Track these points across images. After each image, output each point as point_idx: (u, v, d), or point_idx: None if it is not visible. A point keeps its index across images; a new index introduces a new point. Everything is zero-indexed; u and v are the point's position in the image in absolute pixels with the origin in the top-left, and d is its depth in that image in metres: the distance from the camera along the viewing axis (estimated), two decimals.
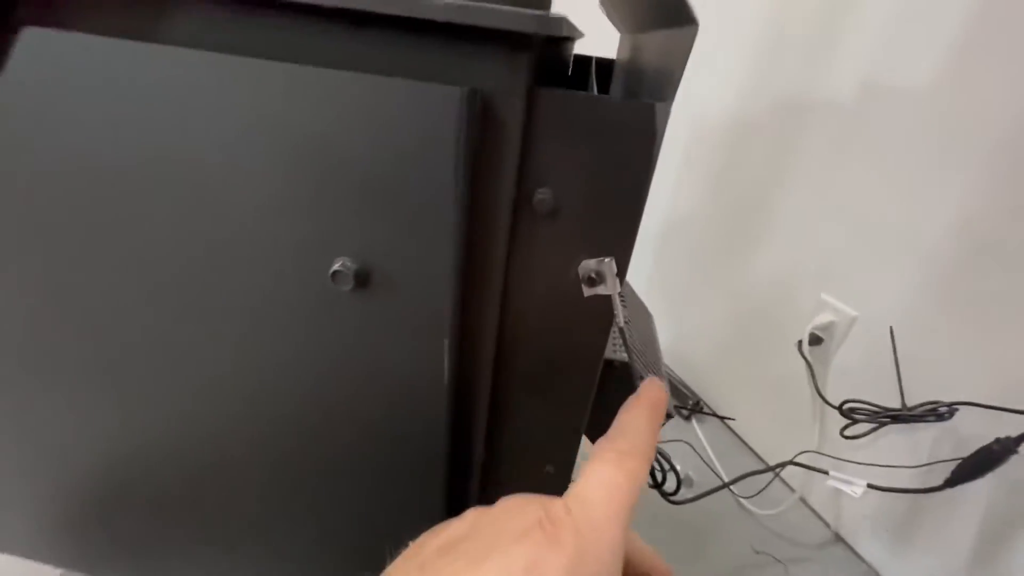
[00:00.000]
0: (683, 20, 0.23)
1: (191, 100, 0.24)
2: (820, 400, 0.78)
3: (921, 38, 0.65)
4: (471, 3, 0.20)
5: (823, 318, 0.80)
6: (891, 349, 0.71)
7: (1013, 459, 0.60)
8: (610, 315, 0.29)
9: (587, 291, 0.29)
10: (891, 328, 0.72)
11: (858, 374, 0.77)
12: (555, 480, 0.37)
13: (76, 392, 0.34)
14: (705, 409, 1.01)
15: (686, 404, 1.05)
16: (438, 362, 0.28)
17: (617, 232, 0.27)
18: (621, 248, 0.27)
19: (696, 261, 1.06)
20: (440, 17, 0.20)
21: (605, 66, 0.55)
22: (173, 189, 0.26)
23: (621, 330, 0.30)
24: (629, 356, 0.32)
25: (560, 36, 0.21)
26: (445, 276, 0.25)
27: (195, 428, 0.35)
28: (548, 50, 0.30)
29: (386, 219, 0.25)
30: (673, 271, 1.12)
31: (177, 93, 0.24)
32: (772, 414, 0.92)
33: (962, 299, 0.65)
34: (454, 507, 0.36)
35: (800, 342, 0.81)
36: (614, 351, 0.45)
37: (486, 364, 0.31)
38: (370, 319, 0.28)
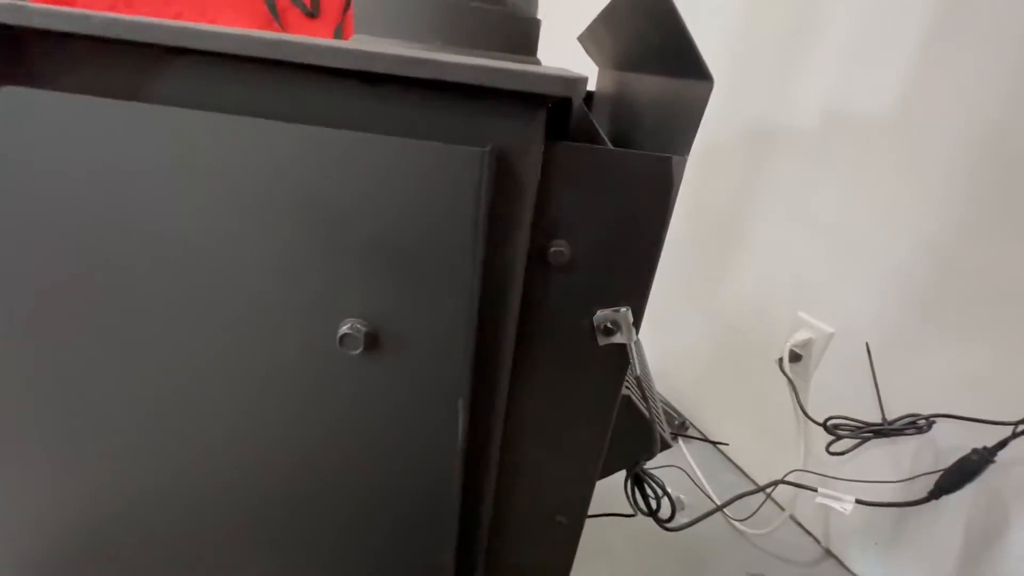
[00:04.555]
0: (696, 74, 0.23)
1: (190, 161, 0.22)
2: (804, 417, 0.80)
3: (879, 66, 0.69)
4: (495, 63, 0.19)
5: (801, 335, 0.82)
6: (868, 364, 0.74)
7: (991, 468, 0.62)
8: (625, 364, 0.29)
9: (602, 341, 0.28)
10: (867, 344, 0.74)
11: (838, 390, 0.79)
12: (566, 531, 0.36)
13: (84, 462, 0.31)
14: (695, 433, 1.02)
15: (672, 424, 1.05)
16: (452, 423, 0.27)
17: (633, 282, 0.26)
18: (637, 297, 0.27)
19: (677, 283, 1.08)
20: (468, 80, 0.19)
21: (589, 96, 0.55)
22: (170, 250, 0.24)
23: (637, 379, 0.29)
24: (649, 412, 0.31)
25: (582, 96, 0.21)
26: (460, 336, 0.24)
27: (200, 493, 0.32)
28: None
29: (398, 280, 0.23)
30: (654, 293, 1.13)
31: (176, 155, 0.22)
32: (757, 432, 0.94)
33: (932, 314, 0.68)
34: (460, 566, 0.34)
35: (780, 359, 0.83)
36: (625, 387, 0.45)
37: (498, 420, 0.30)
38: (381, 382, 0.26)
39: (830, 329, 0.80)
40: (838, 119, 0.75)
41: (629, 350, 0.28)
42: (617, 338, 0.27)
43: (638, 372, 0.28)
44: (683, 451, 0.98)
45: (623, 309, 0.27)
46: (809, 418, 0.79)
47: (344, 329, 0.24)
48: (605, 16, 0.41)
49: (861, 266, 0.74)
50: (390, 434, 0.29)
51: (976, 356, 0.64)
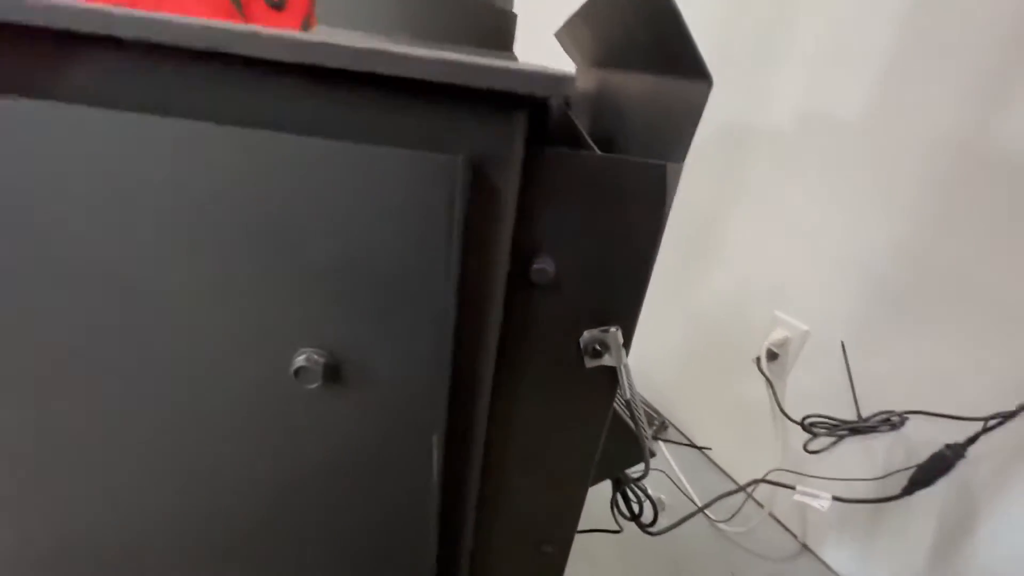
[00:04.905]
0: (692, 74, 0.21)
1: (108, 172, 0.19)
2: (782, 415, 0.80)
3: (847, 71, 0.69)
4: (469, 58, 0.17)
5: (778, 334, 0.83)
6: (843, 362, 0.74)
7: (962, 463, 0.63)
8: (614, 387, 0.26)
9: (590, 363, 0.26)
10: (842, 342, 0.75)
11: (814, 387, 0.79)
12: (552, 560, 0.34)
13: (27, 505, 0.27)
14: (676, 435, 1.01)
15: (652, 426, 1.05)
16: (426, 460, 0.24)
17: (622, 301, 0.24)
18: (626, 317, 0.24)
19: (654, 284, 1.07)
20: (438, 77, 0.16)
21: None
22: (88, 276, 0.20)
23: (627, 403, 0.27)
24: (638, 432, 0.29)
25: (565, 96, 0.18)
26: (434, 366, 0.22)
27: (149, 544, 0.28)
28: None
29: (362, 305, 0.20)
30: None
31: (91, 164, 0.18)
32: (736, 431, 0.94)
33: (903, 311, 0.69)
34: None
35: (758, 359, 0.83)
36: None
37: (477, 450, 0.27)
38: (345, 418, 0.23)
39: (805, 327, 0.80)
40: (809, 123, 0.75)
41: (619, 372, 0.26)
42: (606, 360, 0.25)
43: (628, 396, 0.26)
44: (663, 452, 0.98)
45: (612, 329, 0.24)
46: (787, 416, 0.80)
47: (299, 361, 0.21)
48: (585, 10, 0.39)
49: (835, 265, 0.75)
50: (358, 474, 0.26)
51: (946, 352, 0.65)
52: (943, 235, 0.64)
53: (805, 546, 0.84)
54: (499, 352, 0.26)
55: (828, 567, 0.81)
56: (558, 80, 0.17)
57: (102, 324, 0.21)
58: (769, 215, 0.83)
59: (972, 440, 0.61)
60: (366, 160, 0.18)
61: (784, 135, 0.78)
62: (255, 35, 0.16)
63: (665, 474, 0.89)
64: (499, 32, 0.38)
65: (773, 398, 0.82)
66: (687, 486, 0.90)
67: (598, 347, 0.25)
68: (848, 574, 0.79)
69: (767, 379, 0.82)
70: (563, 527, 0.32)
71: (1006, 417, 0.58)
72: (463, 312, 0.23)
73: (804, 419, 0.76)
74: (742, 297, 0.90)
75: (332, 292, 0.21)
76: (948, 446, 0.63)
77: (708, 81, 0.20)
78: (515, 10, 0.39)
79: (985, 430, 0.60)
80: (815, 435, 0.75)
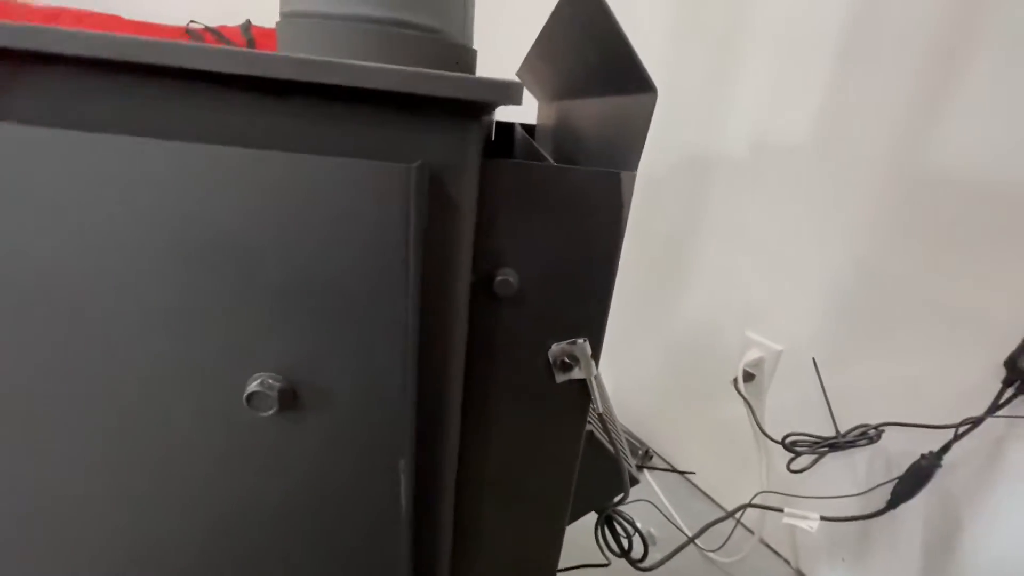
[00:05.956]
0: (639, 87, 0.22)
1: (50, 191, 0.18)
2: (763, 436, 0.80)
3: (796, 98, 0.74)
4: (421, 69, 0.17)
5: (752, 354, 0.84)
6: (817, 379, 0.75)
7: (940, 472, 0.64)
8: (586, 401, 0.26)
9: (560, 377, 0.25)
10: (814, 359, 0.76)
11: (792, 406, 0.80)
12: None
13: None
14: (660, 462, 1.00)
15: (636, 455, 1.03)
16: (393, 487, 0.23)
17: (589, 311, 0.24)
18: (594, 327, 0.24)
19: (629, 312, 1.08)
20: (387, 86, 0.17)
21: (528, 130, 0.55)
22: (28, 300, 0.19)
23: (600, 416, 0.27)
24: (615, 449, 0.28)
25: (518, 104, 0.19)
26: (397, 386, 0.21)
27: (111, 571, 0.25)
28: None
29: (318, 324, 0.20)
30: (609, 325, 1.13)
31: (32, 183, 0.18)
32: (720, 455, 0.93)
33: (869, 326, 0.71)
34: None
35: (735, 380, 0.84)
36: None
37: (449, 475, 0.26)
38: (304, 445, 0.22)
39: (779, 347, 0.81)
40: (765, 149, 0.79)
41: (590, 385, 0.25)
42: (576, 373, 0.25)
43: (600, 409, 0.26)
44: (650, 482, 0.96)
45: (580, 341, 0.24)
46: (768, 436, 0.80)
47: (252, 386, 0.20)
48: (539, 46, 0.41)
49: (801, 284, 0.77)
50: (322, 504, 0.24)
51: (912, 362, 0.67)
52: (896, 250, 0.67)
53: (799, 572, 0.82)
54: (467, 370, 0.25)
55: None
56: (501, 87, 0.17)
57: (39, 352, 0.20)
58: (735, 238, 0.86)
59: (946, 448, 0.62)
60: (315, 171, 0.18)
61: (742, 161, 0.82)
62: (202, 50, 0.16)
63: (652, 504, 0.86)
64: (458, 66, 0.40)
65: (753, 419, 0.82)
66: (675, 516, 0.87)
67: (567, 360, 0.25)
68: None
69: (745, 400, 0.83)
70: (543, 559, 0.30)
71: (975, 423, 0.60)
72: (427, 326, 0.22)
73: (785, 438, 0.76)
74: (715, 320, 0.91)
75: (287, 311, 0.20)
76: (924, 456, 0.64)
77: (653, 92, 0.21)
78: (477, 48, 0.41)
79: (957, 437, 0.61)
80: (797, 454, 0.75)
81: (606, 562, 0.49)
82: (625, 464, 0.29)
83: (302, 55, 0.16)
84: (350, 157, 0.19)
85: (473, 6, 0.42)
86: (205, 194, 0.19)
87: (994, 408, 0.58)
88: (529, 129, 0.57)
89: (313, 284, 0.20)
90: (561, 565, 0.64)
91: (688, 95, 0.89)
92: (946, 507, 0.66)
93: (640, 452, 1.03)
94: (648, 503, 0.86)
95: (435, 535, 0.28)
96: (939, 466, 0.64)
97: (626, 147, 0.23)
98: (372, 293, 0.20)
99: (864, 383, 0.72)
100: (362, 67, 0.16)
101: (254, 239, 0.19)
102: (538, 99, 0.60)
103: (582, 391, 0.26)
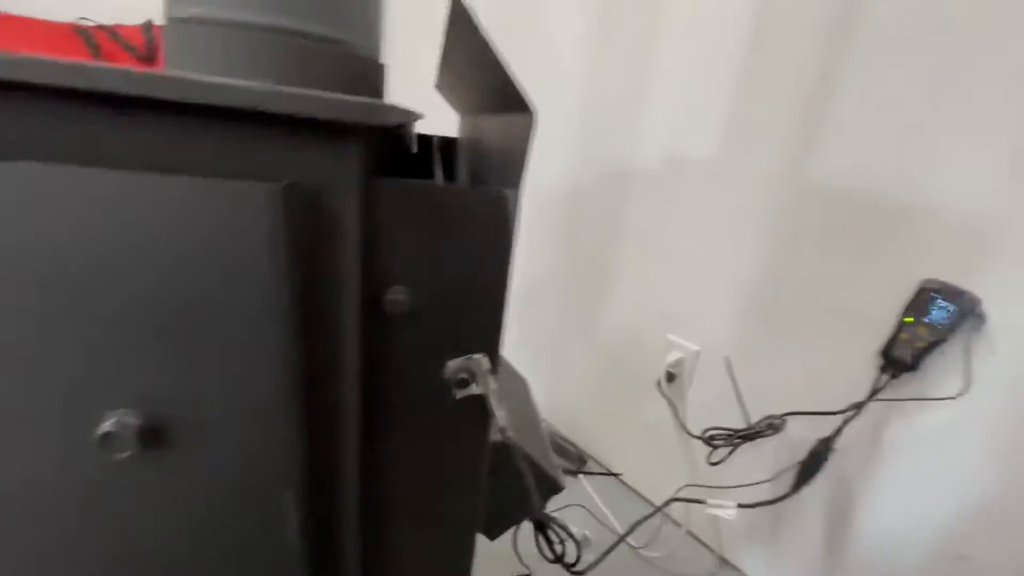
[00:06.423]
0: (520, 108, 0.22)
1: None
2: (685, 433, 0.85)
3: (701, 114, 0.80)
4: (288, 89, 0.17)
5: (673, 356, 0.88)
6: (730, 376, 0.81)
7: (834, 456, 0.70)
8: (487, 418, 0.26)
9: (459, 394, 0.25)
10: (726, 358, 0.81)
11: (710, 402, 0.85)
12: None
13: None
14: (596, 467, 1.02)
15: (572, 460, 1.05)
16: (283, 521, 0.22)
17: (483, 326, 0.24)
18: (490, 342, 0.24)
19: (558, 321, 1.11)
20: (249, 104, 0.16)
21: (451, 143, 0.55)
22: None
23: (502, 429, 0.27)
24: (519, 466, 0.28)
25: (390, 125, 0.19)
26: (279, 413, 0.20)
27: None
28: (387, 134, 0.28)
29: (184, 351, 0.18)
30: (539, 333, 1.15)
31: None
32: (649, 455, 0.97)
33: (771, 324, 0.77)
34: None
35: (659, 381, 0.88)
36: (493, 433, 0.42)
37: (350, 500, 0.25)
38: (179, 485, 0.20)
39: (696, 348, 0.86)
40: (677, 162, 0.85)
41: (488, 401, 0.25)
42: (474, 389, 0.25)
43: (502, 423, 0.26)
44: (585, 486, 0.98)
45: (476, 356, 0.24)
46: (688, 433, 0.84)
47: (106, 426, 0.18)
48: (444, 60, 0.41)
49: (714, 289, 0.83)
50: (203, 548, 0.23)
51: (809, 356, 0.73)
52: (791, 255, 0.74)
53: (723, 559, 0.87)
54: (366, 392, 0.25)
55: (745, 575, 0.84)
56: (373, 109, 0.17)
57: None
58: (655, 247, 0.91)
59: (837, 432, 0.69)
60: (173, 191, 0.17)
61: (658, 173, 0.87)
62: (23, 60, 0.15)
63: (586, 509, 0.88)
64: (364, 79, 0.39)
65: (675, 417, 0.86)
66: (610, 517, 0.90)
67: (464, 376, 0.25)
68: None
69: (668, 400, 0.87)
70: (455, 573, 0.30)
71: (858, 407, 0.66)
72: (315, 350, 0.21)
73: (704, 432, 0.81)
74: (639, 325, 0.95)
75: (145, 342, 0.18)
76: (820, 441, 0.70)
77: (531, 113, 0.22)
78: (398, 63, 0.41)
79: (845, 422, 0.68)
80: (715, 447, 0.79)
81: (527, 572, 0.49)
82: (543, 470, 0.30)
83: (133, 69, 0.15)
84: (223, 176, 0.18)
85: (381, 18, 0.41)
86: (55, 214, 0.17)
87: (873, 393, 0.65)
88: (452, 141, 0.57)
89: (173, 312, 0.18)
90: None
91: (609, 109, 0.93)
92: (841, 486, 0.73)
93: (576, 458, 1.05)
94: (581, 507, 0.88)
95: (340, 564, 0.27)
96: (832, 450, 0.70)
97: (512, 166, 0.24)
98: (241, 318, 0.19)
99: (770, 377, 0.78)
100: (203, 83, 0.16)
101: (110, 262, 0.17)
102: (457, 112, 0.60)
103: (482, 407, 0.26)
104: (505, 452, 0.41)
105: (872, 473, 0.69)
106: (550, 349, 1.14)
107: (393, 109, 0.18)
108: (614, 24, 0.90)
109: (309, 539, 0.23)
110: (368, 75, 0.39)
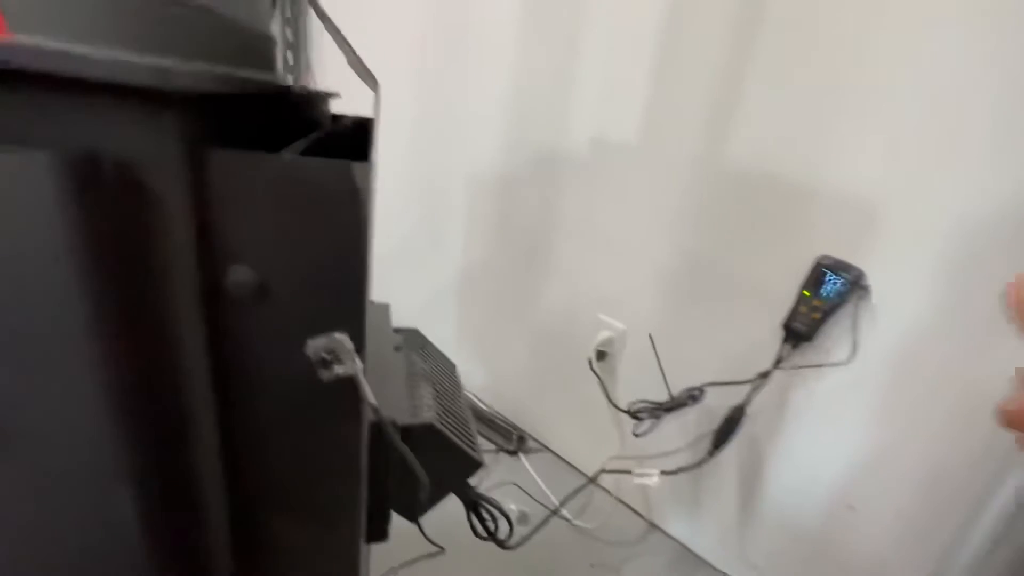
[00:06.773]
0: (369, 81, 0.21)
1: None
2: (614, 408, 0.88)
3: (622, 102, 0.81)
4: (82, 50, 0.15)
5: (603, 335, 0.91)
6: (654, 352, 0.84)
7: (746, 421, 0.75)
8: (358, 399, 0.26)
9: (326, 376, 0.24)
10: (650, 334, 0.85)
11: (638, 378, 0.88)
12: None
13: None
14: (530, 445, 1.04)
15: (511, 440, 1.06)
16: (120, 520, 0.20)
17: (344, 303, 0.23)
18: (351, 320, 0.24)
19: (496, 304, 1.11)
20: (34, 66, 0.14)
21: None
22: None
23: (375, 409, 0.26)
24: (399, 447, 0.28)
25: (214, 93, 0.18)
26: (99, 413, 0.18)
27: None
28: (254, 107, 0.26)
29: None
30: (478, 316, 1.15)
31: None
32: (583, 430, 1.00)
33: (689, 300, 0.81)
34: None
35: (590, 360, 0.90)
36: (413, 415, 0.42)
37: (214, 496, 0.24)
38: (6, 493, 0.18)
39: (623, 326, 0.89)
40: (603, 147, 0.86)
41: (357, 381, 0.25)
42: (340, 369, 0.24)
43: (375, 403, 0.26)
44: (525, 465, 1.00)
45: (338, 335, 0.24)
46: (616, 407, 0.87)
47: None
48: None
49: (639, 269, 0.85)
50: (39, 552, 0.21)
51: (722, 330, 0.77)
52: (704, 235, 0.77)
53: (652, 524, 0.92)
54: (222, 378, 0.23)
55: (671, 537, 0.89)
56: (161, 73, 0.16)
57: None
58: (585, 230, 0.92)
59: (747, 400, 0.73)
60: None
61: (585, 158, 0.88)
62: None
63: (521, 488, 0.90)
64: (246, 50, 0.36)
65: (604, 393, 0.89)
66: (548, 493, 0.92)
67: (326, 356, 0.24)
68: (686, 539, 0.88)
69: (598, 377, 0.90)
70: (346, 567, 0.30)
71: (764, 376, 0.71)
72: (140, 338, 0.20)
73: (630, 406, 0.84)
74: (572, 306, 0.97)
75: None
76: (733, 408, 0.75)
77: (377, 86, 0.21)
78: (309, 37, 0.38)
79: (754, 389, 0.72)
80: (640, 420, 0.83)
81: (439, 549, 0.50)
82: (415, 460, 0.29)
83: None
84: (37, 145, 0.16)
85: None
86: None
87: (777, 362, 0.70)
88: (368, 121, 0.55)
89: None
90: (401, 559, 0.63)
91: (538, 95, 0.93)
92: (752, 449, 0.78)
93: (514, 437, 1.07)
94: (517, 487, 0.90)
95: (208, 557, 0.26)
96: (744, 415, 0.75)
97: (367, 136, 0.23)
98: (27, 307, 0.17)
99: (690, 351, 0.81)
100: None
101: None
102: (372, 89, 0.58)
103: (353, 388, 0.25)
104: (428, 433, 0.41)
105: (777, 436, 0.75)
106: (488, 332, 1.15)
107: (232, 79, 0.17)
108: (541, 8, 0.89)
109: (157, 536, 0.22)
110: (250, 45, 0.37)
